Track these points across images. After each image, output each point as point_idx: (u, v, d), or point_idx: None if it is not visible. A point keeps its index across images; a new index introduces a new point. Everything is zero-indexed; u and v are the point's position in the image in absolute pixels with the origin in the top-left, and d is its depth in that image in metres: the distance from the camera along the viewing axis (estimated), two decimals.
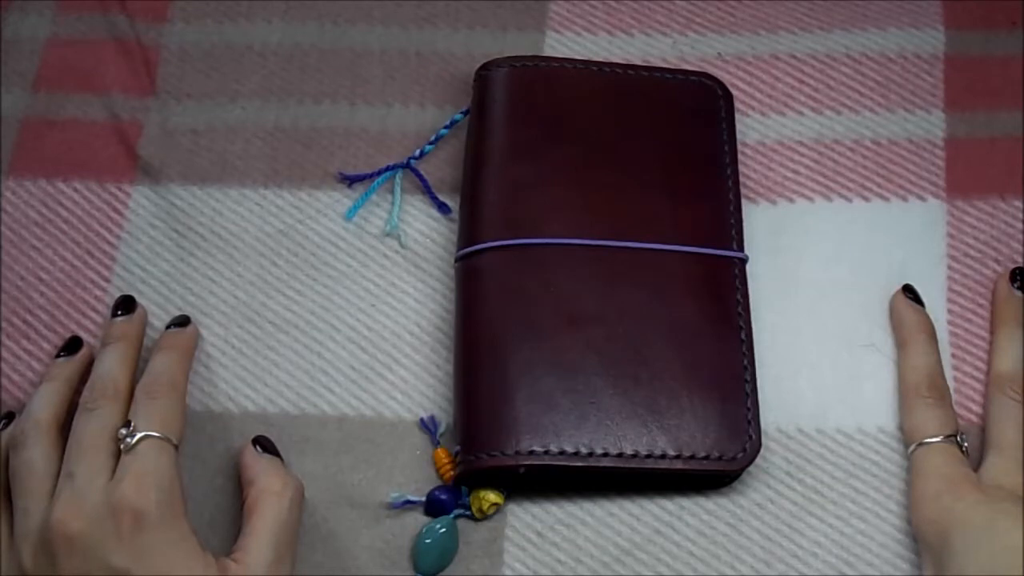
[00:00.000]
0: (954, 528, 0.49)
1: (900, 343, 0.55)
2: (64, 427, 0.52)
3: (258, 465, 0.52)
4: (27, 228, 0.59)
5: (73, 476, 0.48)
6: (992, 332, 0.56)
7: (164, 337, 0.55)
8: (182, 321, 0.56)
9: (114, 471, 0.48)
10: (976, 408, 0.55)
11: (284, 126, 0.62)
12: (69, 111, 0.62)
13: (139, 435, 0.49)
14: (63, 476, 0.49)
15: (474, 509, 0.53)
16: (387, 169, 0.60)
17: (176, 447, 0.50)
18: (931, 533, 0.50)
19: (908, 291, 0.56)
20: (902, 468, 0.53)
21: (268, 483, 0.51)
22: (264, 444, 0.53)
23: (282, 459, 0.53)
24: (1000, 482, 0.50)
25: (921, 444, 0.52)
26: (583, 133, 0.58)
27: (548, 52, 0.63)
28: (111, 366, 0.53)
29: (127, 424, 0.50)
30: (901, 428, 0.54)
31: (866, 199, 0.59)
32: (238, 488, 0.53)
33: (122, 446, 0.49)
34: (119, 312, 0.56)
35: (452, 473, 0.53)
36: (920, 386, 0.53)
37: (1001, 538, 0.48)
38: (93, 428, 0.50)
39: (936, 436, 0.52)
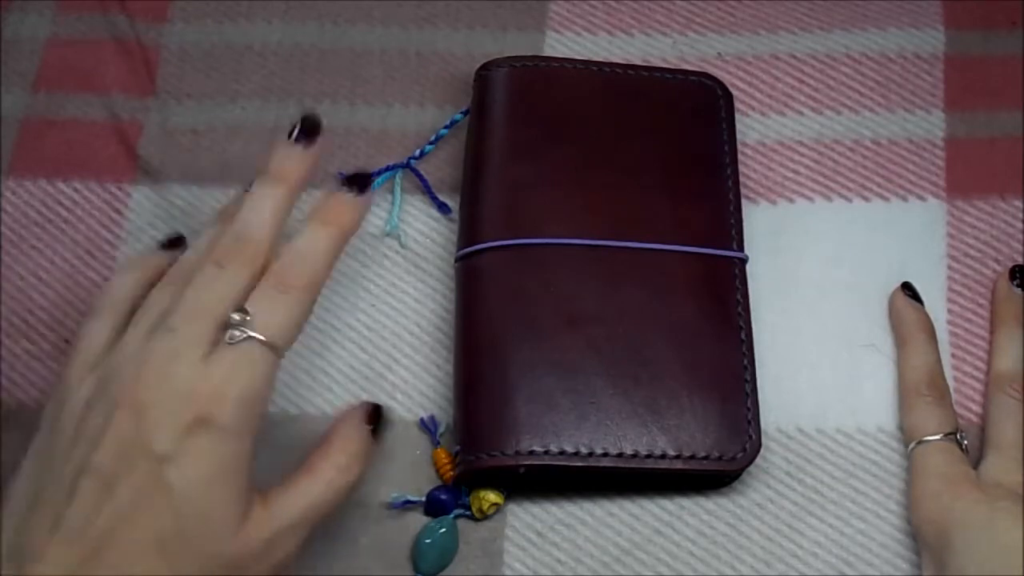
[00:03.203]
0: (953, 527, 0.49)
1: (900, 342, 0.55)
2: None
3: (346, 427, 0.48)
4: (27, 228, 0.60)
5: (175, 332, 0.44)
6: (992, 331, 0.56)
7: (329, 202, 0.48)
8: (358, 181, 0.48)
9: (214, 344, 0.44)
10: (976, 408, 0.55)
11: (284, 126, 0.61)
12: (69, 111, 0.62)
13: (249, 334, 0.44)
14: (160, 320, 0.44)
15: (474, 509, 0.53)
16: (387, 169, 0.60)
17: (282, 355, 0.45)
18: (930, 532, 0.50)
19: (907, 289, 0.56)
20: (902, 468, 0.54)
21: (336, 452, 0.47)
22: (371, 414, 0.48)
23: (380, 437, 0.49)
24: (1000, 480, 0.51)
25: (920, 443, 0.52)
26: (583, 133, 0.58)
27: (548, 52, 0.63)
28: (262, 216, 0.46)
29: (243, 311, 0.44)
30: (901, 427, 0.54)
31: (866, 199, 0.59)
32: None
33: (228, 332, 0.44)
34: (300, 137, 0.48)
35: (452, 473, 0.53)
36: (920, 385, 0.54)
37: (1000, 537, 0.48)
38: (216, 290, 0.45)
39: (935, 435, 0.52)
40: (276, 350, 0.45)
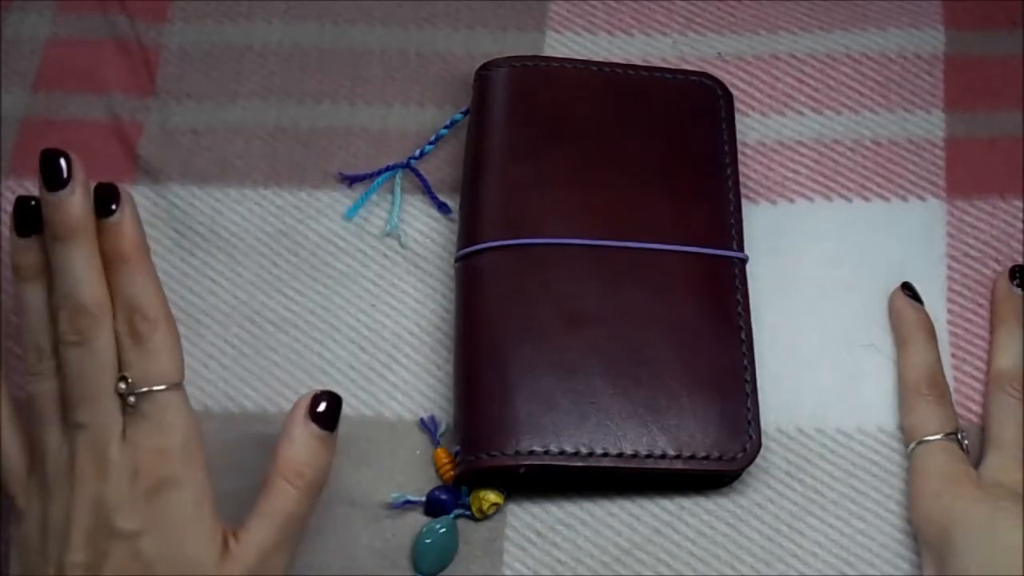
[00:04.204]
0: (954, 526, 0.49)
1: (899, 341, 0.55)
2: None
3: (291, 434, 0.48)
4: None
5: (86, 428, 0.46)
6: (992, 330, 0.56)
7: (104, 238, 0.47)
8: (106, 209, 0.47)
9: (123, 414, 0.46)
10: (976, 407, 0.55)
11: (284, 126, 0.62)
12: (69, 111, 0.62)
13: (140, 391, 0.46)
14: (72, 426, 0.46)
15: (474, 509, 0.53)
16: (387, 169, 0.60)
17: (181, 386, 0.47)
18: (931, 531, 0.50)
19: (907, 289, 0.56)
20: (902, 468, 0.54)
21: (287, 463, 0.47)
22: (318, 414, 0.48)
23: (332, 435, 0.48)
24: (1000, 480, 0.51)
25: (921, 442, 0.52)
26: (583, 133, 0.58)
27: (548, 52, 0.63)
28: (80, 277, 0.46)
29: (123, 379, 0.46)
30: (901, 426, 0.54)
31: (866, 199, 0.59)
32: (239, 488, 0.52)
33: (126, 402, 0.46)
34: (60, 187, 0.46)
35: (452, 473, 0.53)
36: (920, 384, 0.54)
37: (1001, 537, 0.48)
38: (90, 368, 0.46)
39: (936, 434, 0.52)
40: (175, 386, 0.47)
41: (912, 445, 0.53)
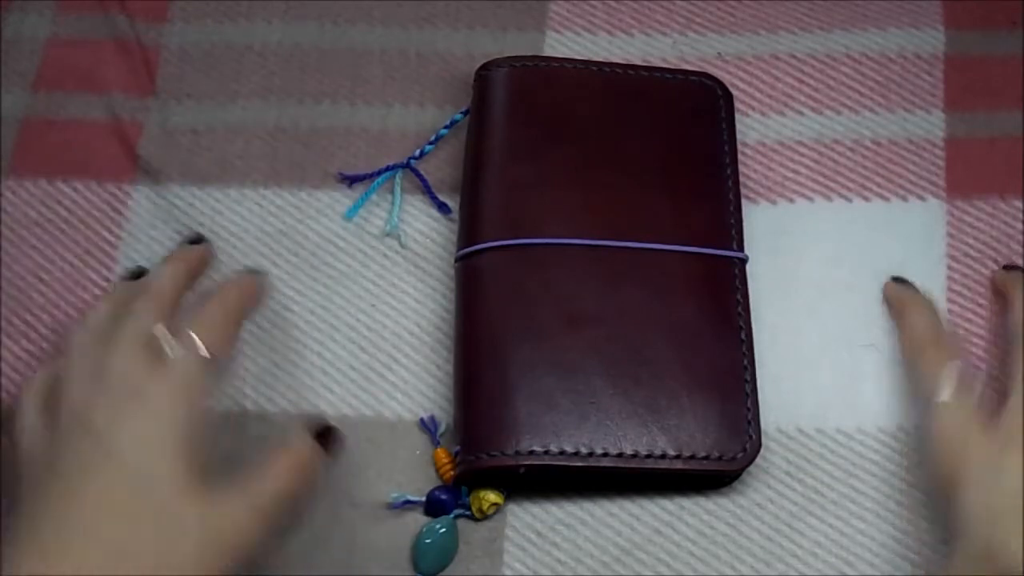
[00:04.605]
0: (964, 465, 0.48)
1: (896, 316, 0.55)
2: None
3: (291, 438, 0.50)
4: (27, 228, 0.59)
5: (136, 314, 0.48)
6: (997, 307, 0.55)
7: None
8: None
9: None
10: None
11: (284, 126, 0.62)
12: (69, 111, 0.62)
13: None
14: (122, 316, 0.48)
15: (474, 509, 0.53)
16: (387, 169, 0.60)
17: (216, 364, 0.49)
18: (942, 477, 0.49)
19: (896, 279, 0.56)
20: (902, 468, 0.54)
21: (286, 455, 0.49)
22: (325, 439, 0.51)
23: (331, 452, 0.51)
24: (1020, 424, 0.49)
25: (933, 403, 0.51)
26: (583, 133, 0.58)
27: (548, 52, 0.63)
28: (169, 278, 0.51)
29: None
30: (912, 389, 0.53)
31: (866, 199, 0.59)
32: None
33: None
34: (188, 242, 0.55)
35: (452, 473, 0.53)
36: (925, 344, 0.53)
37: (1009, 478, 0.47)
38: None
39: (949, 389, 0.51)
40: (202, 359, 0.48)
41: (925, 406, 0.52)
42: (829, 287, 0.57)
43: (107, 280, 0.58)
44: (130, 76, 0.63)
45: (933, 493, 0.51)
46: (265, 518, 0.47)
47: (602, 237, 0.55)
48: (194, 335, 0.48)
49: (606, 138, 0.58)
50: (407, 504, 0.53)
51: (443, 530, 0.52)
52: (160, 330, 0.48)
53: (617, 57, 0.63)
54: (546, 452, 0.51)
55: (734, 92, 0.61)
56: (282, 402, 0.55)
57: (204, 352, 0.48)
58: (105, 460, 0.45)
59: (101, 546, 0.43)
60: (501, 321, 0.54)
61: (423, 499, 0.53)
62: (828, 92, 0.62)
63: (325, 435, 0.50)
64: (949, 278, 0.57)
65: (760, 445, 0.52)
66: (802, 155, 0.60)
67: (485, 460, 0.51)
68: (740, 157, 0.59)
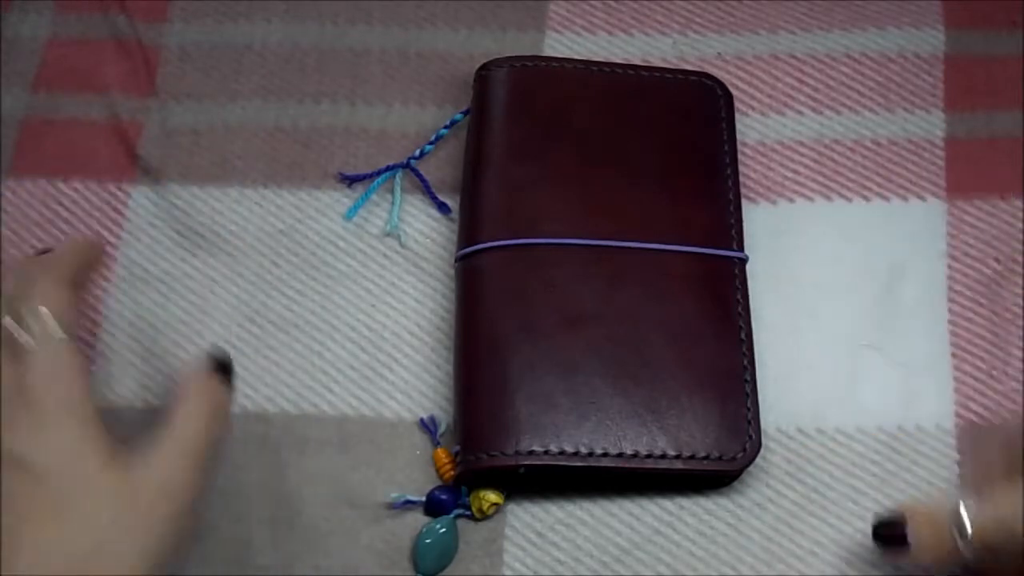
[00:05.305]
0: None
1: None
2: None
3: (191, 378, 0.48)
4: (27, 228, 0.59)
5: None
6: None
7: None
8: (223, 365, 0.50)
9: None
10: (975, 407, 0.55)
11: (284, 126, 0.62)
12: (69, 111, 0.62)
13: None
14: None
15: (474, 509, 0.53)
16: (387, 169, 0.60)
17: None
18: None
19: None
20: (902, 468, 0.53)
21: (191, 390, 0.48)
22: (225, 371, 0.49)
23: (230, 388, 0.50)
24: None
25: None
26: (583, 133, 0.58)
27: (548, 52, 0.63)
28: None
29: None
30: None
31: (866, 199, 0.59)
32: (239, 487, 0.53)
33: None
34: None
35: (452, 473, 0.53)
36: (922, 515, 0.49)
37: None
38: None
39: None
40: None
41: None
42: (829, 287, 0.57)
43: (106, 280, 0.58)
44: (130, 76, 0.63)
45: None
46: (198, 461, 0.46)
47: (602, 237, 0.55)
48: (43, 311, 0.46)
49: (606, 138, 0.58)
50: (407, 504, 0.53)
51: (443, 530, 0.52)
52: (8, 322, 0.46)
53: (617, 57, 0.63)
54: (546, 452, 0.51)
55: (734, 92, 0.61)
56: (282, 402, 0.55)
57: (59, 332, 0.46)
58: (34, 486, 0.43)
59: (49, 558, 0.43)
60: (501, 321, 0.54)
61: (423, 499, 0.53)
62: (828, 92, 0.62)
63: (224, 368, 0.49)
64: (949, 278, 0.57)
65: (760, 445, 0.52)
66: (802, 155, 0.60)
67: (485, 460, 0.51)
68: (740, 157, 0.59)
